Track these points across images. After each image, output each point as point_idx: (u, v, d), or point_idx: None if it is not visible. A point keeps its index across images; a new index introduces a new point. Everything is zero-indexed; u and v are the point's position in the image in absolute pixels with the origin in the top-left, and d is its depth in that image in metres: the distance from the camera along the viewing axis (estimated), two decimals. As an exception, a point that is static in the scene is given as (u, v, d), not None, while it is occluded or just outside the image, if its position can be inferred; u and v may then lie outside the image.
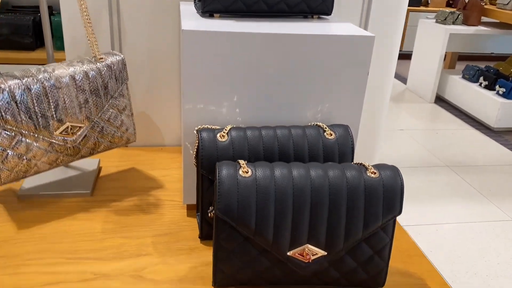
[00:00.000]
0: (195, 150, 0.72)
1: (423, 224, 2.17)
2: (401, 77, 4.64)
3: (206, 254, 0.72)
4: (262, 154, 0.68)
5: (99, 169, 0.95)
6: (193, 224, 0.79)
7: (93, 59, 0.81)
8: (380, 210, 0.60)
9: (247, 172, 0.59)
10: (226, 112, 0.74)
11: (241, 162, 0.61)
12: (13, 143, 0.73)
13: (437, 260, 1.91)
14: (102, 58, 0.82)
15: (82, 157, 0.83)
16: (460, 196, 2.43)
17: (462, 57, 4.90)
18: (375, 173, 0.61)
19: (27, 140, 0.74)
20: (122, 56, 0.84)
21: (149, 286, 0.64)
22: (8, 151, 0.73)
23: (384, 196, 0.60)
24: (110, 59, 0.82)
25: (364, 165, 0.62)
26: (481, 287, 1.77)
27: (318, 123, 0.73)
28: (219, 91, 0.73)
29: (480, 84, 3.53)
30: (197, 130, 0.70)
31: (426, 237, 2.08)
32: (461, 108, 3.70)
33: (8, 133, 0.73)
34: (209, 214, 0.69)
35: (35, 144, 0.75)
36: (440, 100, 3.95)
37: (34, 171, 0.78)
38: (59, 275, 0.65)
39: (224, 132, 0.69)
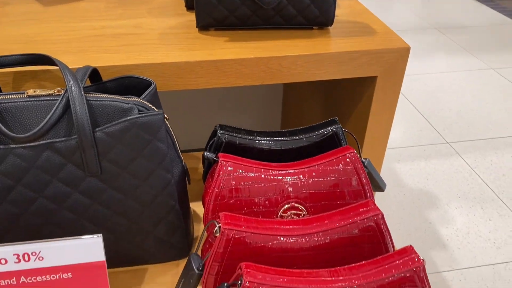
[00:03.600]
0: None
1: (406, 75, 2.33)
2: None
3: (192, 17, 0.88)
4: None
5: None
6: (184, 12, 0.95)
7: None
8: None
9: None
10: None
11: None
12: None
13: (415, 100, 2.10)
14: None
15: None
16: (445, 52, 2.56)
17: None
18: None
19: None
20: None
21: (147, 31, 0.82)
22: None
23: None
24: None
25: None
26: (455, 120, 1.97)
27: None
28: None
29: (476, -49, 3.49)
30: None
31: (407, 84, 2.25)
32: (456, -22, 3.69)
33: None
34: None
35: None
36: (436, -28, 3.92)
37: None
38: (76, 26, 0.83)
39: None
